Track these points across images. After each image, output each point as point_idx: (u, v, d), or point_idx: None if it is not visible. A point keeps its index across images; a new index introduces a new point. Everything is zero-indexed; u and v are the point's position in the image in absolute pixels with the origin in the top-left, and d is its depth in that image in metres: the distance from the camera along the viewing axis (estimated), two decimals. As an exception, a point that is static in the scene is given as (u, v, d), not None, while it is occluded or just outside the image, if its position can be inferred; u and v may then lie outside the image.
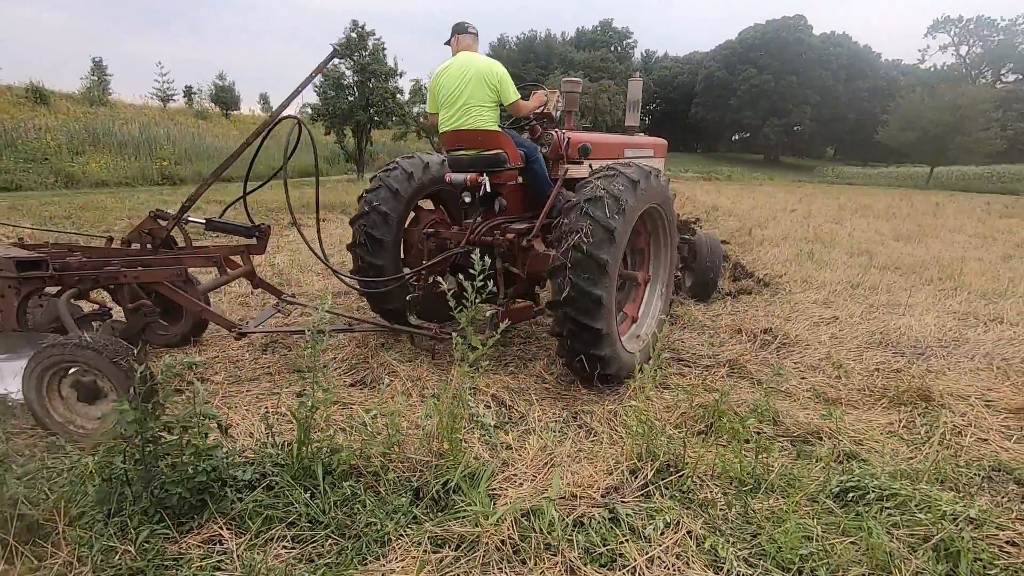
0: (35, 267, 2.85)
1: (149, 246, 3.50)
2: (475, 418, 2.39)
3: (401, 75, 25.43)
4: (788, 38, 60.68)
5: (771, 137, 61.91)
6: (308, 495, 1.97)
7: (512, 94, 3.70)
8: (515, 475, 2.23)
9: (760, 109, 61.27)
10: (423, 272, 3.76)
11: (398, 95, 25.51)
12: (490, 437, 2.42)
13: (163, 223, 3.50)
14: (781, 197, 20.39)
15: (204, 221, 3.71)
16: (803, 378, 3.42)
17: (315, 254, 3.80)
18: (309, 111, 24.30)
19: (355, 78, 23.98)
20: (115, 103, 34.54)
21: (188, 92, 42.79)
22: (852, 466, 2.29)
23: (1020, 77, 61.75)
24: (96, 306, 3.49)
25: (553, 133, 4.07)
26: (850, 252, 8.31)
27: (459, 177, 3.81)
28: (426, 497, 2.01)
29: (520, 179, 3.93)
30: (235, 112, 43.72)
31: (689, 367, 3.58)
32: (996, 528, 1.92)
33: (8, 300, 2.80)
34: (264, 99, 48.79)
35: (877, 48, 77.45)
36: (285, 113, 3.41)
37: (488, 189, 3.71)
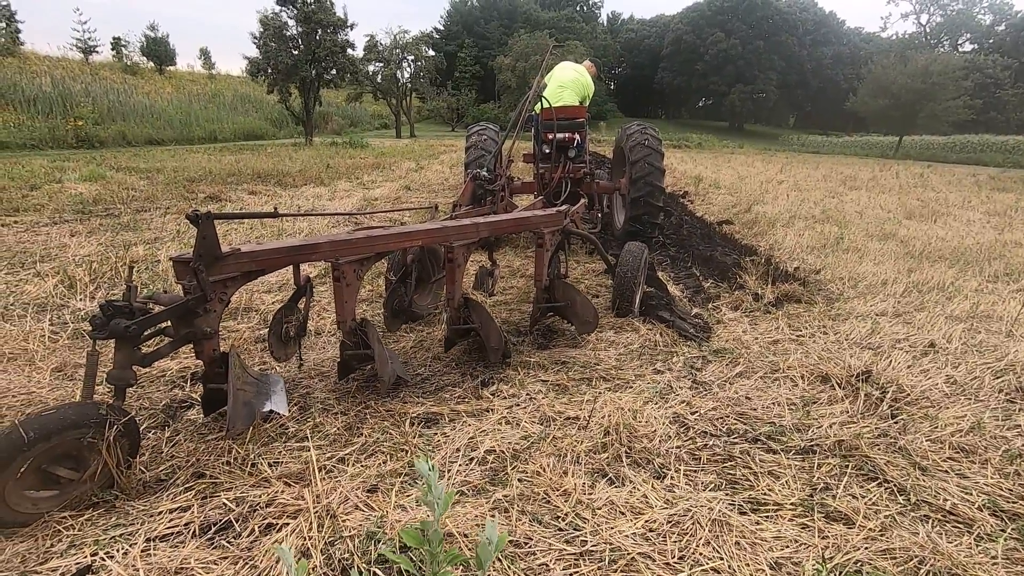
0: None
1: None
2: None
3: (352, 27, 22.93)
4: (756, 1, 59.34)
5: (737, 104, 61.05)
6: None
7: (590, 87, 6.20)
8: None
9: (726, 75, 60.17)
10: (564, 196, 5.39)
11: (349, 49, 23.03)
12: None
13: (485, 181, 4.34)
14: (760, 167, 19.32)
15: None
16: (963, 476, 2.14)
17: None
18: (247, 64, 21.62)
19: (299, 28, 21.36)
20: (27, 54, 30.71)
21: (116, 44, 38.36)
22: None
23: (976, 48, 62.14)
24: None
25: None
26: (871, 235, 7.17)
27: (560, 136, 5.61)
28: None
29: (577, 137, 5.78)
30: (171, 68, 39.85)
31: (775, 453, 2.26)
32: None
33: None
34: (205, 54, 44.69)
35: (840, 15, 76.86)
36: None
37: (579, 143, 5.73)
